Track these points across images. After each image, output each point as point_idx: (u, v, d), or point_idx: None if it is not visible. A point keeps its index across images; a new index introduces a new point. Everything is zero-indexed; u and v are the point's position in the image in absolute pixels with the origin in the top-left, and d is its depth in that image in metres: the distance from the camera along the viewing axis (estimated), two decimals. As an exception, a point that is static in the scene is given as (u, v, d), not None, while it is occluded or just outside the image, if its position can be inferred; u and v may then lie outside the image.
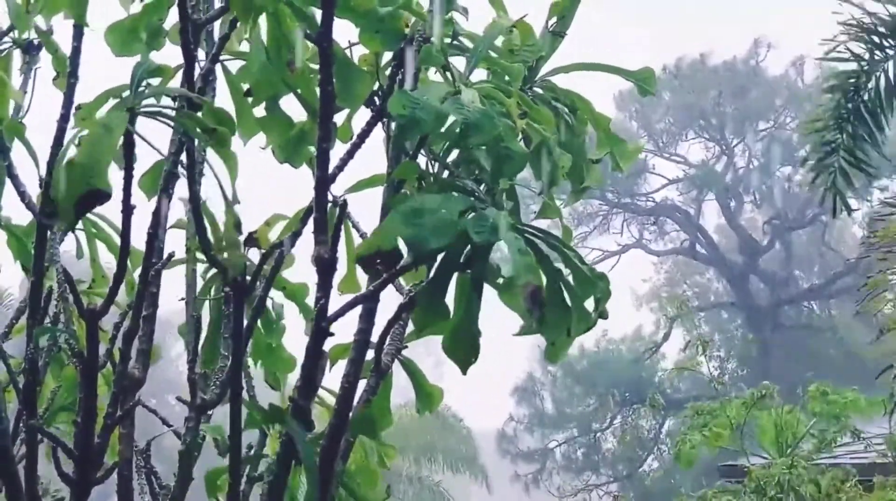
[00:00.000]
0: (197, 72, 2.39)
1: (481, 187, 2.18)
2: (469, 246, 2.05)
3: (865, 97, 9.47)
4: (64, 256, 2.75)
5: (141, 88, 2.13)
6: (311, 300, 2.69)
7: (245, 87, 2.57)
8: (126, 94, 2.12)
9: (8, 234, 2.90)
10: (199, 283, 2.72)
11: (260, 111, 2.54)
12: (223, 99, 2.56)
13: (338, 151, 2.35)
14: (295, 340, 2.66)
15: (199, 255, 2.56)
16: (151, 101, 2.16)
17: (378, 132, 2.49)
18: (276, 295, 2.81)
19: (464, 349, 2.10)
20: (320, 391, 2.65)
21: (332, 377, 2.46)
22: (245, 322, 2.38)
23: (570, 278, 2.12)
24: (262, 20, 2.40)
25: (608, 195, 37.57)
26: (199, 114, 2.22)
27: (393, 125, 2.38)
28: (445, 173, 2.27)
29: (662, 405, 19.83)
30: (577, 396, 37.91)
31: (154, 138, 2.26)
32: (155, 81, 2.18)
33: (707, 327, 37.31)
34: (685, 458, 11.41)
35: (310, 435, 2.40)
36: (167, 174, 2.43)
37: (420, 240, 1.99)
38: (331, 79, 2.23)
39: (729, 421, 10.93)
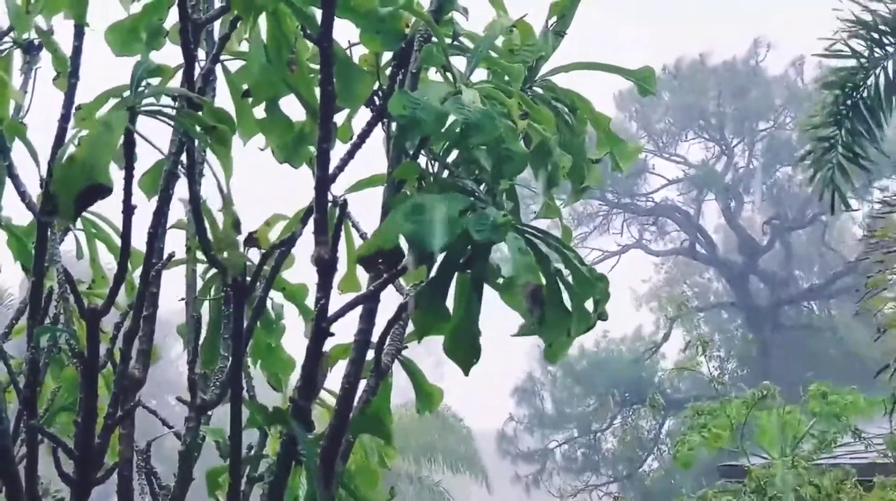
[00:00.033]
0: (197, 72, 2.39)
1: (481, 187, 2.18)
2: (469, 246, 2.05)
3: (865, 94, 9.48)
4: (64, 256, 2.75)
5: (141, 88, 2.13)
6: (310, 301, 2.70)
7: (244, 87, 2.57)
8: (126, 94, 2.12)
9: (8, 234, 2.90)
10: (199, 283, 2.72)
11: (260, 111, 2.54)
12: (223, 99, 2.56)
13: (338, 151, 2.35)
14: (295, 340, 2.66)
15: (199, 255, 2.56)
16: (152, 100, 2.16)
17: (378, 132, 2.49)
18: (275, 296, 2.81)
19: (465, 350, 2.10)
20: (321, 392, 2.65)
21: (332, 378, 2.46)
22: (245, 323, 2.38)
23: (570, 279, 2.12)
24: (262, 20, 2.40)
25: (608, 196, 37.59)
26: (200, 113, 2.22)
27: (393, 125, 2.38)
28: (445, 173, 2.27)
29: (662, 405, 19.83)
30: (577, 396, 37.93)
31: (154, 139, 2.26)
32: (155, 81, 2.18)
33: (707, 327, 37.33)
34: (683, 459, 11.41)
35: (310, 436, 2.40)
36: (167, 174, 2.43)
37: (421, 237, 1.98)
38: (331, 79, 2.23)
39: (729, 421, 10.93)
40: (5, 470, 2.37)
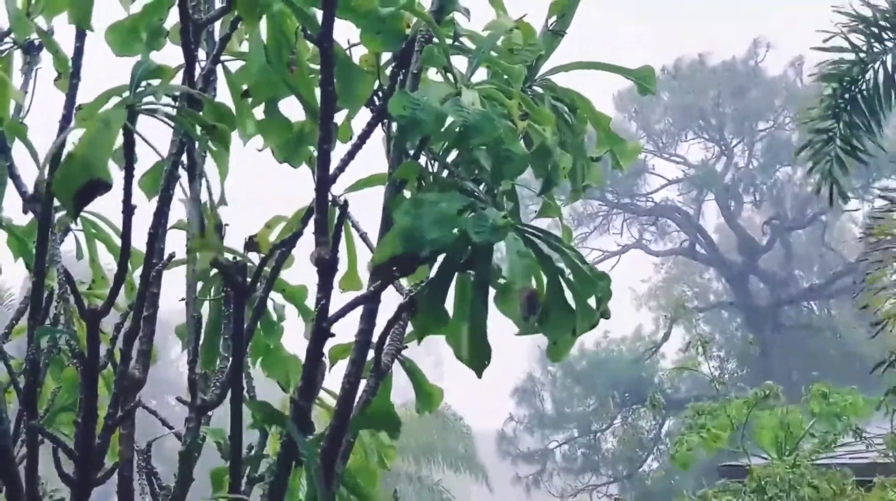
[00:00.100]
0: (198, 72, 2.39)
1: (481, 187, 2.18)
2: (469, 247, 2.05)
3: (863, 88, 9.50)
4: (64, 256, 2.75)
5: (140, 88, 2.13)
6: (310, 302, 2.70)
7: (244, 87, 2.57)
8: (126, 94, 2.12)
9: (8, 234, 2.90)
10: (199, 283, 2.72)
11: (260, 112, 2.54)
12: (224, 99, 2.56)
13: (337, 151, 2.35)
14: (295, 341, 2.67)
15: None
16: (152, 99, 2.16)
17: (378, 131, 2.49)
18: (275, 297, 2.81)
19: (477, 354, 2.11)
20: (320, 393, 2.65)
21: (332, 378, 2.46)
22: (245, 323, 2.38)
23: (572, 278, 2.12)
24: (262, 20, 2.40)
25: (608, 196, 37.59)
26: (200, 113, 2.22)
27: (394, 126, 2.38)
28: (445, 173, 2.27)
29: (663, 404, 19.83)
30: (577, 396, 37.93)
31: (155, 139, 2.26)
32: (155, 82, 2.18)
33: (707, 327, 37.32)
34: (681, 459, 11.41)
35: (311, 437, 2.40)
36: (167, 175, 2.43)
37: (417, 231, 1.98)
38: (332, 79, 2.23)
39: (729, 421, 10.93)
40: (5, 471, 2.37)
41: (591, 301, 2.13)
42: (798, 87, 36.73)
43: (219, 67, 2.59)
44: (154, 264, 2.41)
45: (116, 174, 2.11)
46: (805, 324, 37.71)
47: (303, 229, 2.52)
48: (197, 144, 2.31)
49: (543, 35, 2.54)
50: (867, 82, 9.53)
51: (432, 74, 2.43)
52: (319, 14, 2.24)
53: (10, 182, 2.72)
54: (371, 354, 2.39)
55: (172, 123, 2.25)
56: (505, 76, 2.39)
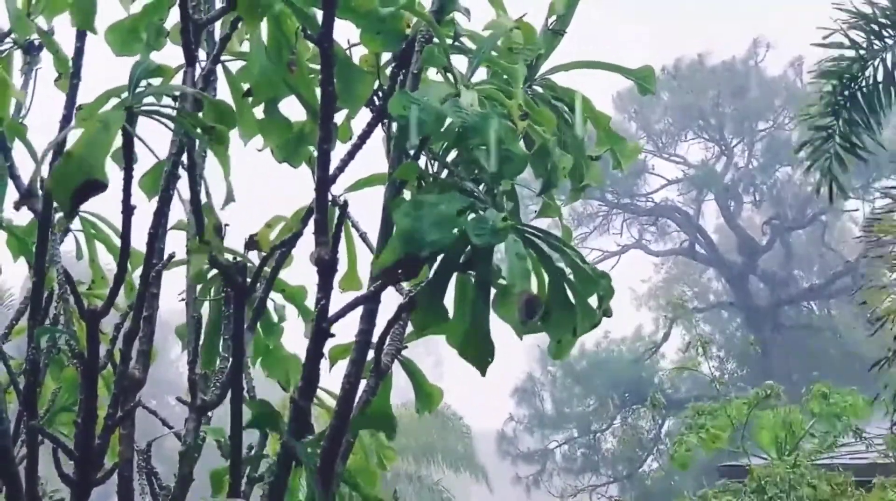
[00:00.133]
0: (198, 72, 2.39)
1: (481, 187, 2.18)
2: (469, 247, 2.05)
3: (863, 85, 9.51)
4: (64, 256, 2.75)
5: (140, 88, 2.13)
6: (310, 302, 2.69)
7: (245, 87, 2.57)
8: (125, 94, 2.12)
9: (8, 233, 2.90)
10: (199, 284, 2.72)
11: (260, 112, 2.53)
12: (224, 99, 2.56)
13: (337, 151, 2.35)
14: (295, 341, 2.66)
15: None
16: (152, 100, 2.16)
17: (377, 131, 2.49)
18: (275, 297, 2.81)
19: (479, 351, 2.11)
20: (320, 393, 2.65)
21: (332, 378, 2.46)
22: (245, 324, 2.38)
23: (573, 277, 2.12)
24: (263, 21, 2.40)
25: (608, 196, 37.59)
26: (200, 113, 2.22)
27: (394, 126, 2.38)
28: (445, 173, 2.27)
29: (664, 404, 19.83)
30: (577, 396, 37.93)
31: (155, 139, 2.26)
32: (155, 82, 2.18)
33: (707, 327, 37.33)
34: (680, 459, 11.41)
35: (311, 437, 2.40)
36: (168, 175, 2.43)
37: (417, 232, 1.98)
38: (332, 79, 2.22)
39: (730, 421, 10.93)
40: (5, 471, 2.37)
41: (593, 300, 2.13)
42: (798, 87, 36.73)
43: (219, 67, 2.59)
44: (154, 264, 2.41)
45: (116, 174, 2.12)
46: (805, 324, 37.71)
47: (303, 229, 2.52)
48: (197, 145, 2.31)
49: (543, 34, 2.53)
50: (867, 79, 9.53)
51: (432, 73, 2.42)
52: (319, 14, 2.24)
53: (10, 183, 2.72)
54: (371, 354, 2.39)
55: (172, 125, 2.25)
56: (505, 76, 2.39)
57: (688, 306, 35.02)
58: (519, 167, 2.13)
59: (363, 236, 2.61)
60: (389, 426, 2.52)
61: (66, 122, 2.61)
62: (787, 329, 37.07)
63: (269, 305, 2.77)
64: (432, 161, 2.29)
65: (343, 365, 2.37)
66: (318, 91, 2.28)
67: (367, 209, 2.50)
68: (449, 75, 2.32)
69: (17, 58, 2.87)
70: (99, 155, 1.97)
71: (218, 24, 2.57)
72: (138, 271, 2.40)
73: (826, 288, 37.32)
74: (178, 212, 2.56)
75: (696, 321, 36.71)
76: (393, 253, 2.02)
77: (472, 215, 2.04)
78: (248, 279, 2.32)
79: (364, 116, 2.49)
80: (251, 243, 2.60)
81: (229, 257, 2.56)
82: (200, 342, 2.65)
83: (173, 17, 2.39)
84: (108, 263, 2.89)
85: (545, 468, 37.08)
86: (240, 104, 2.56)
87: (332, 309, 2.27)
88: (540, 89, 2.51)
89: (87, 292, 2.98)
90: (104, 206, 2.17)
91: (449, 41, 2.35)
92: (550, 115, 2.34)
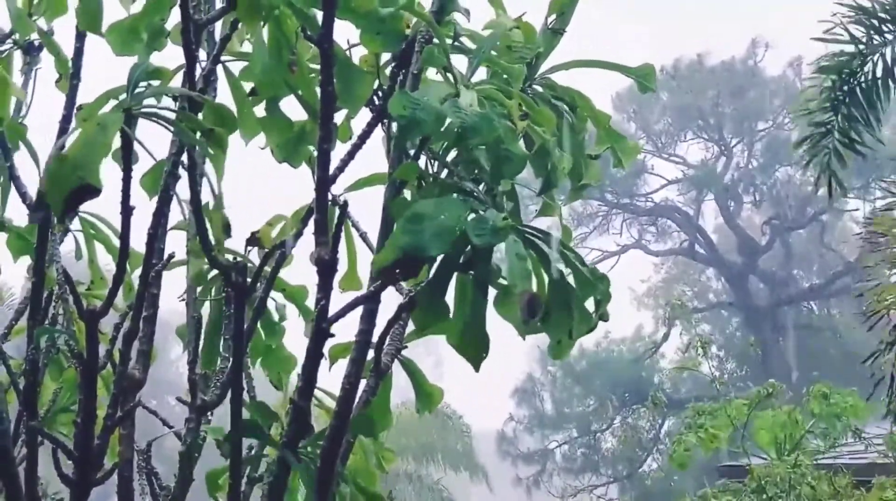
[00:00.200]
0: (198, 72, 2.38)
1: (481, 187, 2.18)
2: (469, 246, 2.05)
3: (861, 80, 9.51)
4: (63, 257, 2.75)
5: (139, 90, 2.13)
6: (310, 302, 2.69)
7: (248, 87, 2.56)
8: (123, 96, 2.12)
9: (9, 233, 2.90)
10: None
11: (260, 111, 2.53)
12: (224, 100, 2.56)
13: (337, 151, 2.35)
14: (295, 341, 2.66)
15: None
16: (151, 101, 2.15)
17: (377, 131, 2.49)
18: (276, 297, 2.81)
19: (474, 347, 2.12)
20: (320, 394, 2.65)
21: (332, 378, 2.46)
22: (246, 324, 2.37)
23: (571, 279, 2.12)
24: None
25: (607, 196, 37.60)
26: (199, 115, 2.22)
27: (394, 126, 2.38)
28: (445, 173, 2.27)
29: (665, 403, 19.83)
30: (577, 396, 37.93)
31: (156, 138, 2.26)
32: (155, 83, 2.18)
33: (707, 326, 37.33)
34: (679, 459, 11.41)
35: (310, 437, 2.40)
36: (167, 175, 2.43)
37: (419, 247, 1.99)
38: (332, 80, 2.22)
39: (730, 421, 10.93)
40: (5, 471, 2.37)
41: (590, 303, 2.13)
42: (797, 87, 36.71)
43: (219, 67, 2.59)
44: (154, 264, 2.41)
45: (116, 174, 2.12)
46: (805, 324, 37.71)
47: (303, 229, 2.52)
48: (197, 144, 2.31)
49: (543, 34, 2.53)
50: (865, 75, 9.53)
51: (432, 73, 2.42)
52: (319, 15, 2.24)
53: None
54: (371, 354, 2.39)
55: (171, 127, 2.25)
56: (505, 76, 2.38)
57: (687, 306, 35.03)
58: (518, 167, 2.13)
59: (363, 236, 2.61)
60: (369, 431, 2.52)
61: (65, 122, 2.61)
62: (786, 329, 37.06)
63: (271, 305, 2.77)
64: (432, 161, 2.29)
65: (343, 365, 2.37)
66: (318, 91, 2.27)
67: (367, 209, 2.50)
68: (449, 75, 2.32)
69: (17, 58, 2.87)
70: (94, 158, 1.97)
71: (218, 25, 2.57)
72: (138, 272, 2.40)
73: (826, 288, 37.32)
74: (178, 212, 2.56)
75: (696, 321, 36.72)
76: (391, 253, 2.02)
77: (472, 216, 2.04)
78: (248, 279, 2.32)
79: (364, 116, 2.49)
80: (252, 240, 2.59)
81: (229, 257, 2.56)
82: (201, 343, 2.65)
83: (174, 18, 2.39)
84: (108, 263, 2.89)
85: (545, 468, 37.08)
86: (241, 104, 2.56)
87: (333, 309, 2.27)
88: (540, 88, 2.51)
89: (86, 293, 2.98)
90: (104, 206, 2.17)
91: (449, 41, 2.35)
92: (550, 114, 2.34)
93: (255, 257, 2.67)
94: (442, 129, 2.11)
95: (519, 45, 2.43)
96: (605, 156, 2.66)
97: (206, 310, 2.73)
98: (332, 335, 2.28)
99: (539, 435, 37.80)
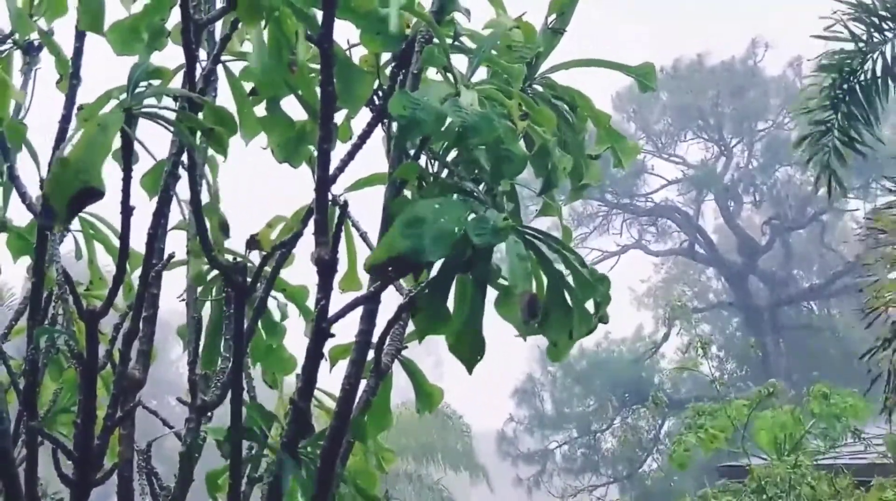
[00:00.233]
0: (198, 72, 2.38)
1: (481, 187, 2.18)
2: (470, 247, 2.05)
3: (861, 78, 9.50)
4: (63, 257, 2.75)
5: (139, 90, 2.13)
6: (311, 302, 2.69)
7: (248, 86, 2.56)
8: (123, 96, 2.12)
9: (9, 233, 2.89)
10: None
11: (260, 111, 2.53)
12: (224, 100, 2.56)
13: (337, 151, 2.35)
14: (295, 341, 2.66)
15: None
16: (152, 101, 2.15)
17: (377, 131, 2.49)
18: (277, 296, 2.80)
19: (469, 348, 2.10)
20: (320, 394, 2.65)
21: (332, 379, 2.46)
22: (246, 324, 2.37)
23: (571, 281, 2.11)
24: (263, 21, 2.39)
25: (607, 196, 37.60)
26: (200, 115, 2.21)
27: (394, 126, 2.38)
28: (446, 173, 2.27)
29: (665, 403, 19.81)
30: (577, 396, 37.93)
31: (157, 138, 2.26)
32: (155, 82, 2.17)
33: (707, 326, 37.32)
34: (679, 460, 11.40)
35: (310, 437, 2.40)
36: (168, 175, 2.43)
37: (419, 251, 1.98)
38: (332, 80, 2.22)
39: (730, 421, 10.92)
40: (5, 472, 2.37)
41: (590, 304, 2.12)
42: (797, 86, 36.71)
43: (219, 67, 2.58)
44: (153, 264, 2.41)
45: (116, 174, 2.11)
46: (805, 324, 37.71)
47: (303, 229, 2.52)
48: (198, 142, 2.31)
49: (543, 33, 2.53)
50: (865, 73, 9.53)
51: (432, 73, 2.42)
52: (319, 15, 2.24)
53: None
54: (371, 354, 2.39)
55: (171, 127, 2.25)
56: (505, 76, 2.38)
57: (687, 306, 35.02)
58: (518, 167, 2.13)
59: (363, 236, 2.61)
60: (362, 436, 2.52)
61: (65, 122, 2.61)
62: (786, 329, 37.07)
63: (272, 304, 2.77)
64: (432, 161, 2.29)
65: (343, 366, 2.37)
66: (318, 91, 2.27)
67: (367, 209, 2.50)
68: (449, 75, 2.32)
69: (17, 58, 2.87)
70: (95, 161, 1.96)
71: (218, 25, 2.57)
72: (137, 272, 2.40)
73: (826, 288, 37.31)
74: (178, 212, 2.56)
75: (696, 321, 36.71)
76: (384, 252, 2.01)
77: (472, 216, 2.03)
78: (249, 280, 2.32)
79: (364, 116, 2.49)
80: (252, 242, 2.59)
81: (229, 257, 2.56)
82: (201, 343, 2.65)
83: (174, 18, 2.38)
84: (108, 264, 2.89)
85: (545, 468, 37.08)
86: (241, 104, 2.56)
87: (333, 309, 2.26)
88: (540, 88, 2.51)
89: (85, 293, 2.98)
90: (104, 206, 2.17)
91: (449, 41, 2.35)
92: (550, 114, 2.34)
93: (255, 256, 2.66)
94: (442, 129, 2.10)
95: (519, 44, 2.43)
96: (605, 156, 2.65)
97: (206, 310, 2.73)
98: (333, 335, 2.28)
99: (539, 435, 37.80)
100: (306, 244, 2.32)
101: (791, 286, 38.26)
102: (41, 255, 2.55)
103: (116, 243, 2.51)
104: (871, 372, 9.09)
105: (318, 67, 2.29)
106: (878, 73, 9.52)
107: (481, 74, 2.40)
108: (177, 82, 2.35)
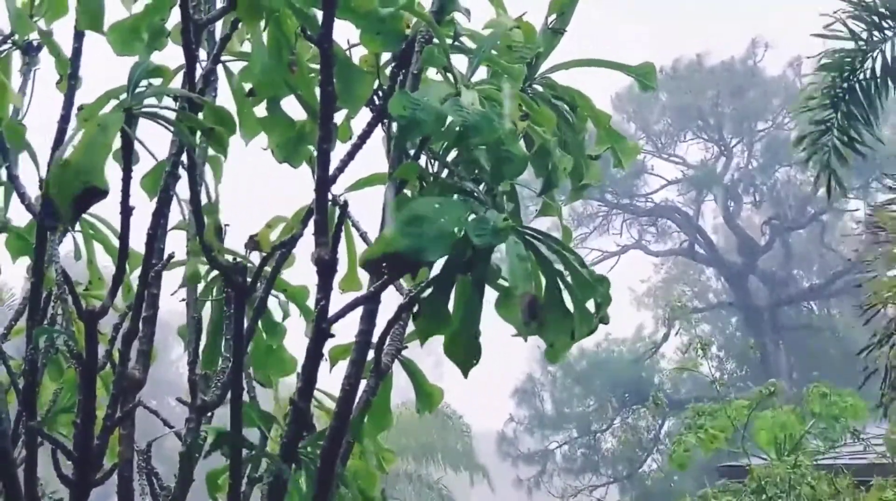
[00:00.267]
0: (198, 72, 2.38)
1: (481, 187, 2.18)
2: (471, 248, 2.05)
3: (861, 77, 9.50)
4: (62, 257, 2.75)
5: (139, 89, 2.13)
6: (311, 302, 2.69)
7: (247, 87, 2.56)
8: (124, 96, 2.12)
9: (9, 233, 2.89)
10: (201, 284, 2.72)
11: (260, 111, 2.53)
12: (224, 99, 2.56)
13: (337, 151, 2.35)
14: (295, 341, 2.66)
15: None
16: (152, 101, 2.15)
17: (377, 131, 2.49)
18: (277, 296, 2.80)
19: (464, 351, 2.09)
20: (319, 395, 2.65)
21: (332, 379, 2.46)
22: (246, 324, 2.37)
23: (571, 281, 2.11)
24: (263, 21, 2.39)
25: (607, 196, 37.62)
26: (200, 115, 2.21)
27: (394, 126, 2.38)
28: (446, 173, 2.27)
29: (666, 403, 19.82)
30: (577, 397, 37.94)
31: (157, 138, 2.26)
32: (156, 82, 2.17)
33: (707, 326, 37.33)
34: (678, 460, 11.41)
35: (310, 437, 2.40)
36: (168, 175, 2.42)
37: (418, 250, 1.98)
38: (332, 80, 2.22)
39: (730, 421, 10.93)
40: (5, 472, 2.37)
41: (590, 305, 2.12)
42: (797, 87, 36.70)
43: (219, 67, 2.58)
44: (153, 264, 2.41)
45: (116, 174, 2.11)
46: (805, 324, 37.72)
47: (303, 229, 2.52)
48: (198, 142, 2.31)
49: (543, 33, 2.53)
50: (865, 72, 9.54)
51: (432, 73, 2.42)
52: (319, 15, 2.24)
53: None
54: (371, 354, 2.38)
55: (171, 127, 2.25)
56: (505, 76, 2.38)
57: (687, 306, 35.02)
58: (518, 167, 2.13)
59: (363, 236, 2.61)
60: (358, 436, 2.52)
61: (63, 122, 2.60)
62: (786, 329, 37.07)
63: (273, 304, 2.77)
64: (432, 161, 2.29)
65: (343, 366, 2.37)
66: (318, 91, 2.27)
67: (367, 209, 2.50)
68: (449, 75, 2.32)
69: (16, 58, 2.87)
70: (97, 160, 1.96)
71: (218, 25, 2.57)
72: (137, 272, 2.40)
73: (826, 288, 37.32)
74: (178, 213, 2.56)
75: (696, 321, 36.72)
76: (379, 248, 2.01)
77: (472, 216, 2.03)
78: (249, 280, 2.32)
79: (364, 116, 2.49)
80: (251, 242, 2.59)
81: (229, 257, 2.56)
82: (202, 343, 2.65)
83: (174, 18, 2.38)
84: (108, 264, 2.89)
85: (545, 468, 37.08)
86: (241, 104, 2.56)
87: (333, 309, 2.26)
88: (540, 88, 2.51)
89: (84, 293, 2.98)
90: (104, 206, 2.17)
91: (449, 41, 2.35)
92: (550, 114, 2.34)
93: (255, 256, 2.66)
94: (442, 129, 2.10)
95: (519, 44, 2.43)
96: (605, 156, 2.65)
97: (207, 311, 2.73)
98: (333, 336, 2.28)
99: (539, 436, 37.81)
100: (306, 244, 2.32)
101: (791, 286, 38.27)
102: (40, 255, 2.55)
103: (116, 243, 2.51)
104: (866, 369, 9.08)
105: (318, 67, 2.29)
106: (878, 72, 9.52)
107: (481, 73, 2.40)
108: (177, 82, 2.35)
